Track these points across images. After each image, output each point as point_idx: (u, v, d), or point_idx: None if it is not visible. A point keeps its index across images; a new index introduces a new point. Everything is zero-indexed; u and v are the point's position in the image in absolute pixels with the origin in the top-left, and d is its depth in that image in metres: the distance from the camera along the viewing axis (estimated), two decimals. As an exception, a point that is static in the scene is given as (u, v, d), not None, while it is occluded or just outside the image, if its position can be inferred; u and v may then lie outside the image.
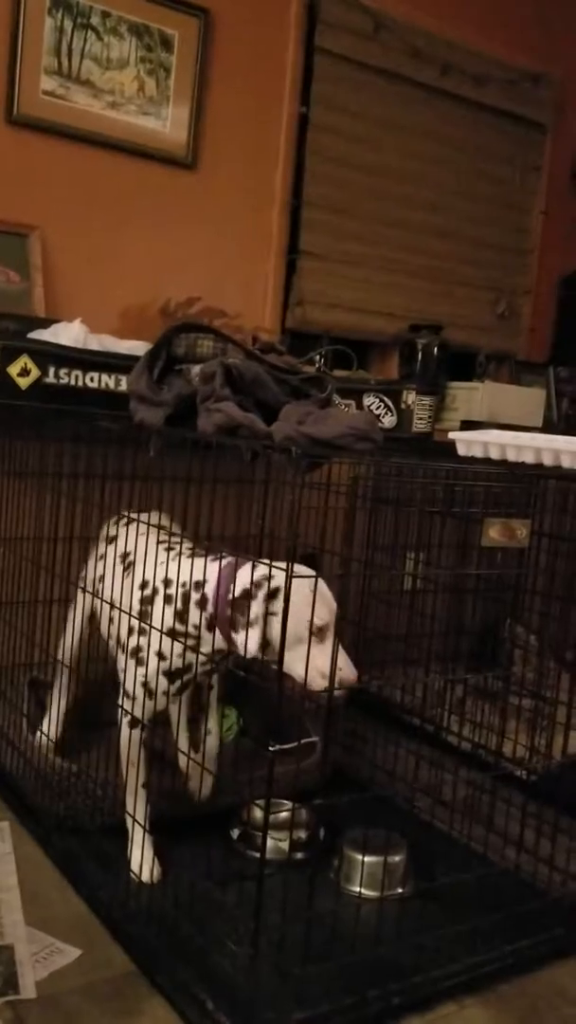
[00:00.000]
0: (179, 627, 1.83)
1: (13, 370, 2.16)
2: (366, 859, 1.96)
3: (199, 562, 1.82)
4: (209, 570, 1.79)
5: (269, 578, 1.68)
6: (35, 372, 2.19)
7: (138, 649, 1.88)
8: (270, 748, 1.59)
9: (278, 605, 1.65)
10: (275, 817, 2.02)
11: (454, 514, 1.90)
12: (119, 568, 2.00)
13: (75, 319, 2.38)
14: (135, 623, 1.88)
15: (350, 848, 2.00)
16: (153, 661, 1.86)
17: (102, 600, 2.04)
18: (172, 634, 1.83)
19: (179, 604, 1.83)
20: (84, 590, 2.21)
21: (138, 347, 2.36)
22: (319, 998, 1.58)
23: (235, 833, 2.11)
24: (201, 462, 1.88)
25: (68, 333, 2.32)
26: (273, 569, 1.66)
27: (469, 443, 2.09)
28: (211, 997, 1.57)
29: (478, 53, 3.51)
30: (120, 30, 2.76)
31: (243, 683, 1.93)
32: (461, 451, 2.11)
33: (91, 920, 1.82)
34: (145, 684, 1.87)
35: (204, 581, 1.79)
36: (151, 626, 1.85)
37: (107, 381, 2.27)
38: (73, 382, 2.23)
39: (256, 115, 3.07)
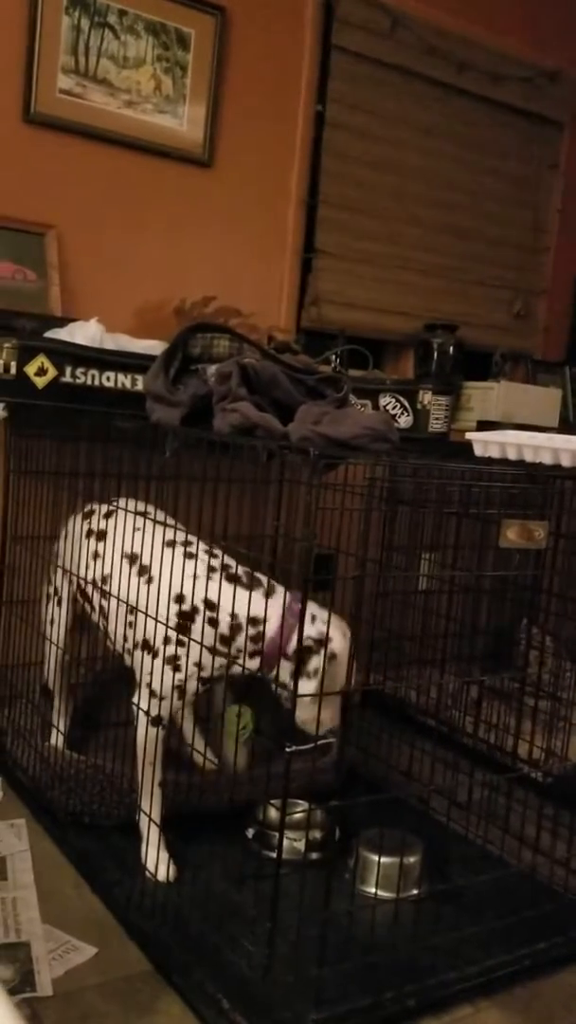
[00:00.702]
0: (220, 648, 1.86)
1: (30, 369, 2.17)
2: (382, 860, 1.96)
3: (256, 597, 1.85)
4: (270, 610, 1.83)
5: (327, 639, 1.77)
6: (52, 371, 2.19)
7: (176, 658, 1.87)
8: (286, 748, 1.59)
9: (329, 665, 1.77)
10: (290, 817, 2.02)
11: (471, 515, 1.89)
12: (130, 571, 1.98)
13: (91, 318, 2.39)
14: (171, 634, 1.88)
15: (366, 849, 2.00)
16: (192, 670, 1.88)
17: (110, 599, 2.03)
18: (213, 651, 1.86)
19: (226, 631, 1.85)
20: (79, 584, 2.18)
21: (154, 346, 2.36)
22: (335, 999, 1.58)
23: (250, 833, 2.11)
24: (217, 462, 1.88)
25: (85, 332, 2.33)
26: (329, 627, 1.79)
27: (486, 443, 2.09)
28: (227, 997, 1.57)
29: (495, 50, 3.49)
30: (137, 28, 2.76)
31: (259, 683, 1.93)
32: (478, 451, 2.10)
33: (107, 918, 1.83)
34: (181, 687, 1.89)
35: (263, 620, 1.83)
36: (191, 639, 1.86)
37: (123, 381, 2.27)
38: (90, 382, 2.24)
39: (272, 113, 3.07)
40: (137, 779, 1.96)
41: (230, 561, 1.93)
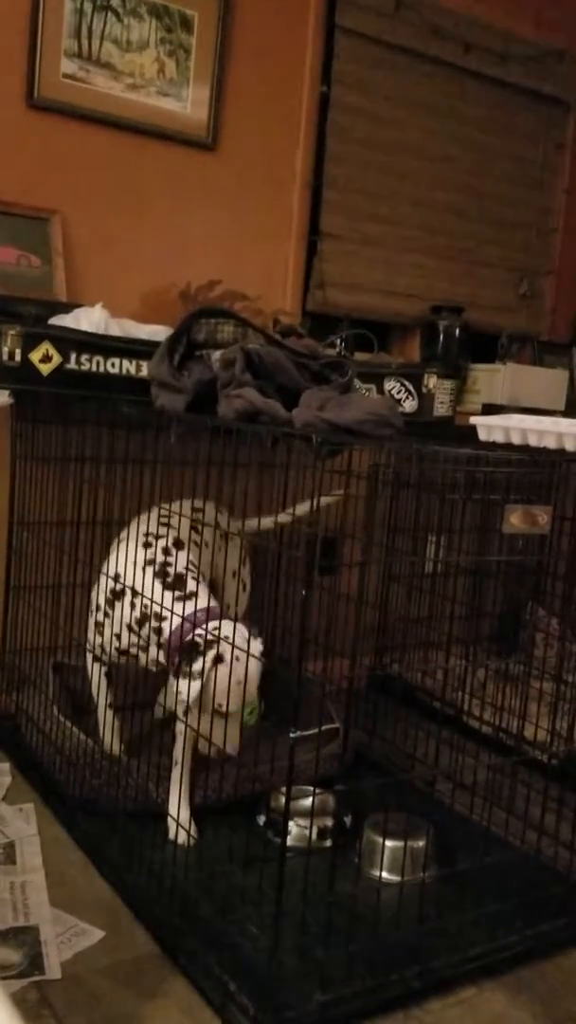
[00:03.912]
0: (135, 627, 2.07)
1: (35, 356, 2.17)
2: (388, 843, 1.97)
3: (168, 596, 2.01)
4: (176, 609, 1.98)
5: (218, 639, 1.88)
6: (57, 358, 2.19)
7: (100, 624, 2.17)
8: (292, 734, 1.60)
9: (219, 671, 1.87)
10: (300, 804, 2.03)
11: (475, 499, 1.89)
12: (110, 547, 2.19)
13: (96, 303, 2.38)
14: (103, 604, 2.16)
15: (372, 832, 2.01)
16: (110, 638, 2.14)
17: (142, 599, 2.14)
18: (129, 628, 2.08)
19: (139, 616, 2.06)
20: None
21: (159, 331, 2.36)
22: (341, 981, 1.59)
23: (261, 820, 2.13)
24: (222, 448, 1.88)
25: (89, 318, 2.32)
26: (221, 636, 1.88)
27: (490, 428, 2.08)
28: (233, 979, 1.59)
29: (501, 30, 3.46)
30: (140, 11, 2.75)
31: (265, 670, 1.95)
32: (482, 436, 2.10)
33: (115, 902, 1.85)
34: (102, 648, 2.17)
35: (165, 617, 1.99)
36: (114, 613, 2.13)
37: (128, 367, 2.27)
38: (95, 368, 2.24)
39: (276, 95, 3.05)
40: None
41: (175, 560, 2.06)
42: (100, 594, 2.15)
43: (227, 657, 1.86)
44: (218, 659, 1.86)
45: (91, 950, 1.69)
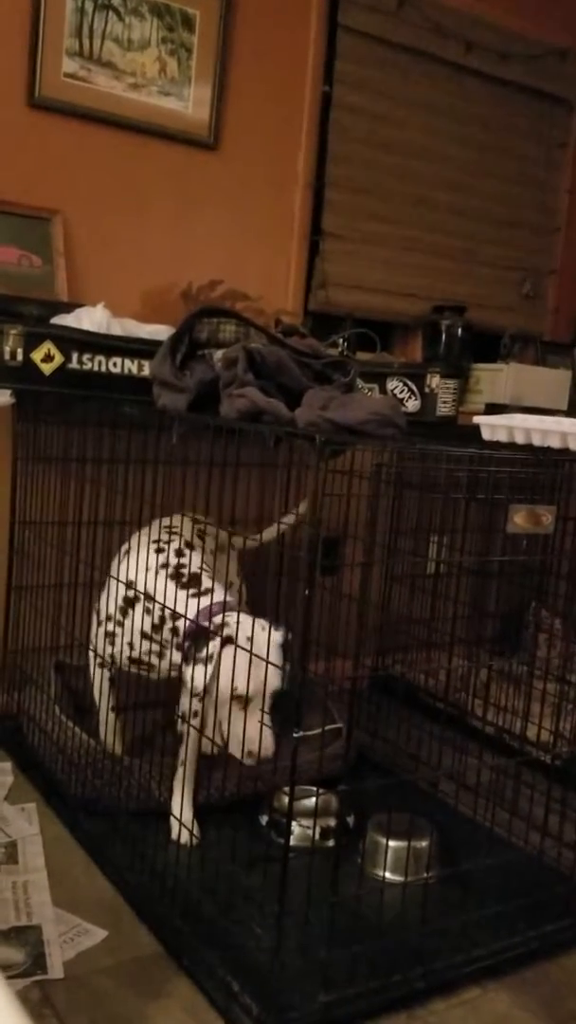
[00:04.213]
0: (153, 635, 2.03)
1: (37, 356, 2.17)
2: (391, 844, 1.96)
3: (182, 595, 1.97)
4: (189, 607, 1.94)
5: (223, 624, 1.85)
6: (59, 358, 2.19)
7: (112, 634, 2.10)
8: (294, 735, 1.59)
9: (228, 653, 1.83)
10: (303, 804, 2.03)
11: (479, 500, 1.89)
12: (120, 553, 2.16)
13: (98, 303, 2.38)
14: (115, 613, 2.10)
15: (375, 832, 2.01)
16: (122, 648, 2.09)
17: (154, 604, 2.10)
18: (145, 636, 2.04)
19: (156, 621, 2.02)
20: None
21: (160, 331, 2.35)
22: (344, 981, 1.59)
23: (263, 820, 2.12)
24: (224, 447, 1.88)
25: (91, 318, 2.32)
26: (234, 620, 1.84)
27: (494, 428, 2.07)
28: (236, 979, 1.59)
29: (502, 29, 3.45)
30: (141, 10, 2.74)
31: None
32: (486, 435, 2.09)
33: (118, 901, 1.84)
34: (113, 658, 2.12)
35: (181, 616, 1.95)
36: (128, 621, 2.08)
37: (130, 366, 2.27)
38: (96, 368, 2.24)
39: (278, 95, 3.04)
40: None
41: (189, 561, 2.02)
42: (110, 603, 2.10)
43: (240, 640, 1.81)
44: (228, 640, 1.82)
45: (94, 950, 1.69)
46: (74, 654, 2.50)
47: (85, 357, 2.22)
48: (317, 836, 2.03)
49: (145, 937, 1.74)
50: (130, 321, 2.41)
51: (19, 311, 2.29)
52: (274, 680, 1.82)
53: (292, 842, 1.95)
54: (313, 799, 2.05)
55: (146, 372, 2.24)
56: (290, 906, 1.60)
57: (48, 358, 2.18)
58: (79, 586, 2.37)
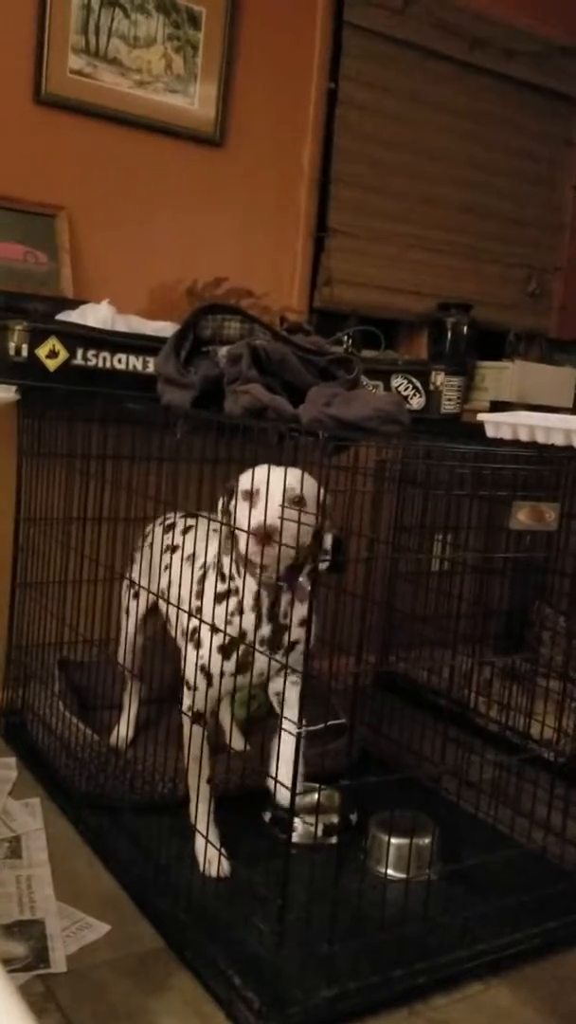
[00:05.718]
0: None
1: (42, 352, 2.17)
2: (393, 840, 1.97)
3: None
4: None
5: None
6: (63, 354, 2.19)
7: (195, 631, 1.85)
8: (298, 730, 1.60)
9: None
10: (306, 800, 2.02)
11: (482, 497, 1.89)
12: (182, 566, 1.98)
13: (103, 300, 2.38)
14: (193, 606, 1.87)
15: (378, 829, 2.01)
16: (206, 636, 1.83)
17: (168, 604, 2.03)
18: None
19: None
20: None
21: (165, 328, 2.36)
22: (346, 976, 1.59)
23: (267, 816, 2.12)
24: (228, 444, 1.88)
25: (96, 314, 2.33)
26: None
27: (498, 425, 2.08)
28: (239, 974, 1.59)
29: (508, 26, 3.45)
30: (147, 7, 2.74)
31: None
32: (490, 433, 2.09)
33: (121, 896, 1.85)
34: (205, 668, 1.83)
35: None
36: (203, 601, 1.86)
37: (135, 363, 2.27)
38: (101, 364, 2.24)
39: (284, 92, 3.04)
40: (189, 780, 1.91)
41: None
42: (202, 646, 1.84)
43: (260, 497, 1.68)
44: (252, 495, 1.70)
45: (96, 944, 1.70)
46: (78, 650, 2.51)
47: (90, 353, 2.22)
48: (320, 832, 2.03)
49: (148, 931, 1.75)
50: (135, 318, 2.41)
51: (24, 307, 2.30)
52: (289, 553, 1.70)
53: (295, 838, 1.95)
54: (316, 795, 2.05)
55: (151, 369, 2.24)
56: (292, 902, 1.61)
57: (53, 354, 2.18)
58: (84, 582, 2.38)
